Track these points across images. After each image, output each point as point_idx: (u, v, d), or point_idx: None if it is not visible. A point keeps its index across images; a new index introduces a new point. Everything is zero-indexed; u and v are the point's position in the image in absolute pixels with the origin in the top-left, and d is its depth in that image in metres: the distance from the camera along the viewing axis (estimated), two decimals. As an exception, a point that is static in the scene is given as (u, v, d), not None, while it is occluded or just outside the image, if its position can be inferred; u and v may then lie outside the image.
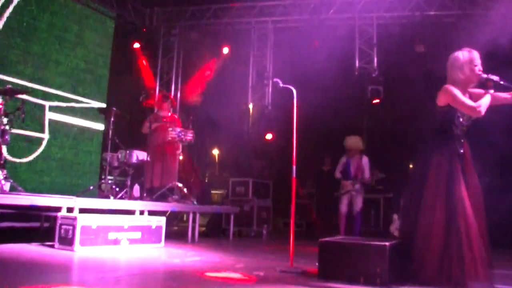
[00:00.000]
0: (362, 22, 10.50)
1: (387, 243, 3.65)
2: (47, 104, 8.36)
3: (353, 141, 8.15)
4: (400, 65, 10.45)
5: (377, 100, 10.29)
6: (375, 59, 10.30)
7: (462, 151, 3.91)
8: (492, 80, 3.84)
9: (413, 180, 4.07)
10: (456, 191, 3.74)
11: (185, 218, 10.31)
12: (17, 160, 7.76)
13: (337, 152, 8.60)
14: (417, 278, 3.67)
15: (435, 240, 3.67)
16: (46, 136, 8.34)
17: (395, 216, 8.89)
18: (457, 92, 3.86)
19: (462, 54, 3.95)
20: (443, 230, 3.68)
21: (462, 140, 3.95)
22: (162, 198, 7.30)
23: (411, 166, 11.31)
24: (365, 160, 8.14)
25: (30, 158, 8.06)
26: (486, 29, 9.04)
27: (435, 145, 3.94)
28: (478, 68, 3.90)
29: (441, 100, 3.94)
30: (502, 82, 3.85)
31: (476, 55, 3.94)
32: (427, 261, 3.67)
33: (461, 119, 3.92)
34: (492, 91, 3.84)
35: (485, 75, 3.87)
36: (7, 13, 7.77)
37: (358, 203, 7.96)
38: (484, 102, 3.78)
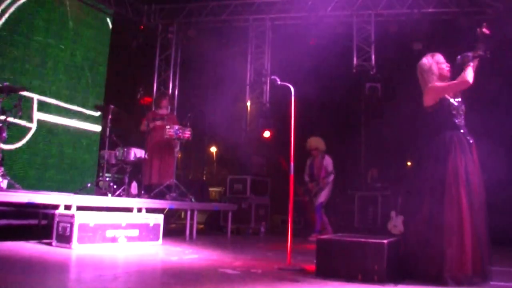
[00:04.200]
0: (360, 19, 10.49)
1: (385, 241, 3.66)
2: (35, 96, 8.28)
3: (310, 142, 8.22)
4: (398, 62, 10.46)
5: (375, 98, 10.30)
6: (373, 57, 10.30)
7: (471, 141, 3.99)
8: (467, 56, 3.96)
9: (422, 177, 4.01)
10: (474, 185, 3.82)
11: (183, 216, 10.31)
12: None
13: (336, 150, 8.61)
14: (442, 276, 3.60)
15: (466, 236, 3.68)
16: (34, 126, 8.26)
17: (393, 214, 8.92)
18: (438, 83, 4.02)
19: (426, 59, 4.15)
20: (469, 226, 3.71)
21: (465, 130, 4.02)
22: (160, 195, 7.30)
23: (408, 163, 11.35)
24: (327, 160, 8.19)
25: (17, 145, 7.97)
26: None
27: (441, 140, 3.96)
28: (446, 65, 4.10)
29: (429, 100, 4.05)
30: (476, 54, 3.96)
31: (439, 56, 4.14)
32: (455, 257, 3.63)
33: (454, 112, 4.01)
34: (471, 63, 3.93)
35: (459, 57, 4.00)
36: (8, 13, 7.79)
37: (318, 199, 8.09)
38: (467, 72, 3.91)
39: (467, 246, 3.65)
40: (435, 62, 4.10)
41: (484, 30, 3.95)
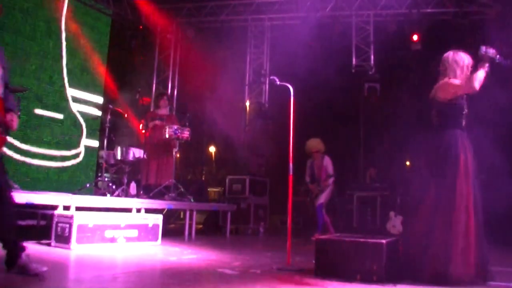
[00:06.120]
0: (358, 19, 10.50)
1: (384, 241, 3.66)
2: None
3: (311, 144, 8.24)
4: (397, 62, 10.47)
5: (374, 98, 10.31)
6: (372, 57, 10.30)
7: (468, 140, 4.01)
8: (488, 56, 3.81)
9: (426, 174, 4.00)
10: (476, 187, 3.84)
11: (182, 216, 10.30)
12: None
13: (334, 150, 8.61)
14: (450, 277, 3.59)
15: (471, 235, 3.70)
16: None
17: (392, 214, 8.93)
18: (454, 81, 3.97)
19: (465, 55, 4.05)
20: (473, 225, 3.72)
21: (466, 131, 4.04)
22: (159, 195, 7.30)
23: (408, 163, 11.35)
24: (326, 160, 8.20)
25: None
26: (482, 27, 9.07)
27: (451, 135, 3.95)
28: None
29: (443, 95, 4.00)
30: (497, 59, 3.83)
31: (470, 61, 4.04)
32: (455, 258, 3.63)
33: (463, 112, 4.01)
34: (486, 65, 3.80)
35: (483, 49, 3.83)
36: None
37: (319, 199, 8.08)
38: (478, 77, 3.77)
39: (471, 245, 3.66)
40: (468, 65, 4.01)
41: (488, 51, 3.82)
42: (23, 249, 3.27)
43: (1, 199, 3.25)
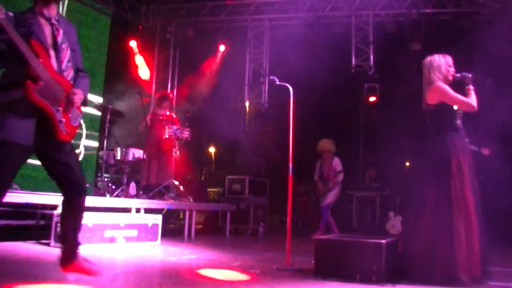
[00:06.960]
0: (358, 19, 10.50)
1: (383, 241, 3.66)
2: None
3: (323, 144, 8.31)
4: (396, 62, 10.47)
5: (374, 98, 10.30)
6: (371, 57, 10.30)
7: (467, 139, 4.08)
8: (467, 76, 4.05)
9: (424, 178, 4.00)
10: (475, 185, 3.85)
11: (181, 216, 10.30)
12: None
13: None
14: (452, 278, 3.60)
15: (474, 236, 3.70)
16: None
17: (391, 214, 8.94)
18: (449, 89, 4.02)
19: (438, 57, 4.17)
20: (476, 226, 3.74)
21: (462, 132, 4.08)
22: (159, 195, 7.29)
23: (407, 164, 11.35)
24: (335, 161, 8.24)
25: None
26: (482, 27, 9.07)
27: (443, 140, 3.97)
28: (452, 70, 4.13)
29: (433, 98, 4.05)
30: (477, 77, 4.07)
31: (449, 59, 4.17)
32: (461, 259, 3.64)
33: (455, 113, 4.07)
34: (471, 86, 4.02)
35: (459, 74, 4.10)
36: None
37: (326, 199, 8.09)
38: (474, 98, 4.00)
39: (475, 247, 3.66)
40: (444, 63, 4.12)
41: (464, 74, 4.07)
42: (78, 248, 3.32)
43: (77, 201, 3.34)
